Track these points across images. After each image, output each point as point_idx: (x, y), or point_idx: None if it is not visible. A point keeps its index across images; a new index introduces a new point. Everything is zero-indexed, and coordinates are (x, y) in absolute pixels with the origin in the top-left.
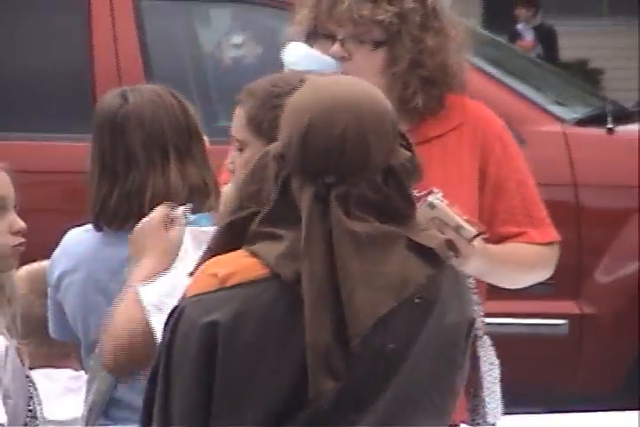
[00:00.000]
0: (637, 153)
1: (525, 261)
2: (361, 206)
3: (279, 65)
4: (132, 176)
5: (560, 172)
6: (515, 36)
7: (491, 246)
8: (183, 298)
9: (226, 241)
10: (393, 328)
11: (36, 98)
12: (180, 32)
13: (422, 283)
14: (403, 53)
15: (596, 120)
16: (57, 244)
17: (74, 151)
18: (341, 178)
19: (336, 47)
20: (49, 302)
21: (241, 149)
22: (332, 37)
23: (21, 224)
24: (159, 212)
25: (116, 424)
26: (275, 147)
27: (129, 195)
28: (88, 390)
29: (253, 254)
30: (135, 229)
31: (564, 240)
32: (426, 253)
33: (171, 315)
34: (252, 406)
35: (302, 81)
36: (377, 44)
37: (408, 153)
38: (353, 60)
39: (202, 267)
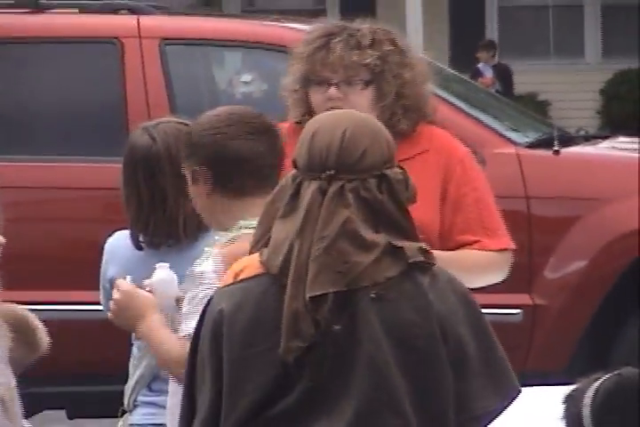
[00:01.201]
0: (579, 170)
1: (477, 265)
2: (357, 205)
3: (280, 100)
4: (166, 206)
5: (514, 186)
6: (476, 74)
7: (443, 252)
8: (215, 291)
9: (259, 241)
10: (345, 313)
11: (81, 128)
12: (199, 72)
13: (380, 281)
14: (387, 88)
15: (544, 143)
16: (96, 247)
17: (106, 171)
18: (338, 173)
19: (332, 90)
20: (103, 294)
21: None
22: (326, 83)
23: (1, 240)
24: (123, 289)
25: (158, 395)
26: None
27: (165, 222)
28: (136, 366)
29: (256, 254)
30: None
31: (517, 243)
32: (397, 255)
33: (207, 302)
34: (252, 380)
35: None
36: (366, 84)
37: (401, 171)
38: (347, 100)
39: (234, 264)
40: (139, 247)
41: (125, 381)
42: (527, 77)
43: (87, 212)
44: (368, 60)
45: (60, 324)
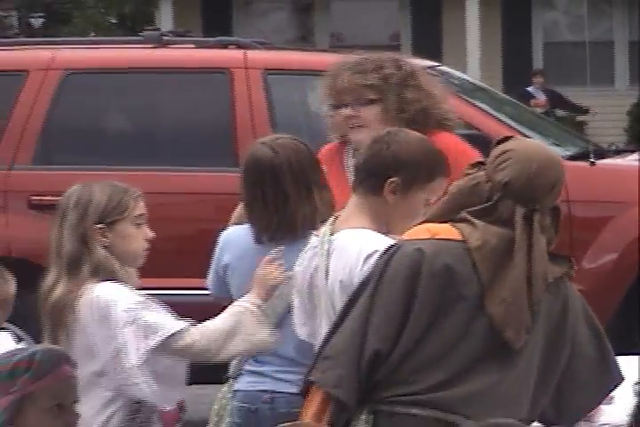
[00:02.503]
0: (611, 178)
1: None
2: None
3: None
4: (287, 208)
5: None
6: (526, 96)
7: None
8: (400, 241)
9: (441, 216)
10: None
11: (198, 144)
12: (295, 97)
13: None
14: (389, 105)
15: (582, 156)
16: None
17: (220, 179)
18: (540, 208)
19: (345, 110)
20: (214, 277)
21: None
22: (342, 104)
23: (151, 234)
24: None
25: (262, 366)
26: (492, 177)
27: (286, 221)
28: None
29: (455, 227)
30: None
31: (560, 239)
32: (558, 262)
33: (386, 251)
34: (444, 319)
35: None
36: (372, 102)
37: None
38: (360, 116)
39: (418, 227)
40: (259, 241)
41: None
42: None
43: (201, 212)
44: (370, 82)
45: (184, 306)
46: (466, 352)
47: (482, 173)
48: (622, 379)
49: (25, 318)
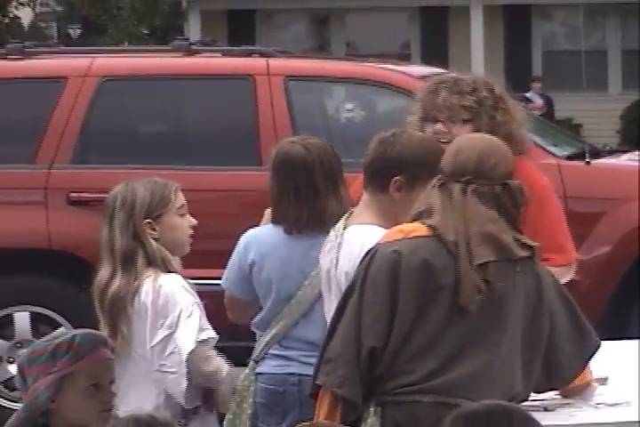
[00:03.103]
0: (605, 176)
1: None
2: (487, 203)
3: (377, 124)
4: (317, 201)
5: (556, 188)
6: (525, 100)
7: None
8: (376, 244)
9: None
10: (503, 276)
11: (223, 145)
12: (314, 101)
13: (517, 258)
14: (482, 126)
15: (578, 156)
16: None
17: (244, 178)
18: (474, 179)
19: (439, 126)
20: (239, 274)
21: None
22: (435, 120)
23: (194, 221)
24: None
25: (286, 350)
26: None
27: (316, 213)
28: (272, 326)
29: (424, 224)
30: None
31: None
32: (523, 244)
33: (366, 255)
34: (425, 311)
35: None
36: (465, 122)
37: (519, 182)
38: (451, 134)
39: (391, 229)
40: (289, 232)
41: (251, 339)
42: (565, 106)
43: (226, 208)
44: (467, 104)
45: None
46: (453, 338)
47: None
48: (599, 344)
49: (64, 305)
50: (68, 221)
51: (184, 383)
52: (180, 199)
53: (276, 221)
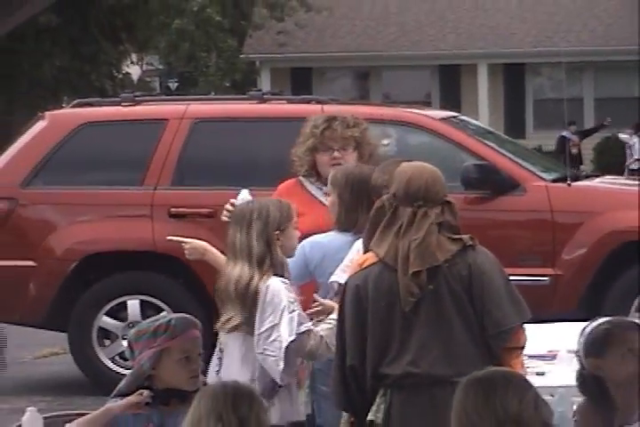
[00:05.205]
0: (582, 195)
1: None
2: (433, 221)
3: (406, 156)
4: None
5: (544, 204)
6: (562, 139)
7: None
8: (347, 279)
9: (368, 243)
10: (433, 279)
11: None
12: None
13: (449, 258)
14: (364, 152)
15: (561, 179)
16: None
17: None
18: (425, 203)
19: (336, 154)
20: (298, 269)
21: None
22: (330, 149)
23: (299, 233)
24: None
25: None
26: (387, 196)
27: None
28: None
29: (372, 251)
30: None
31: (546, 239)
32: (457, 242)
33: (343, 287)
34: (381, 320)
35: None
36: (353, 149)
37: (450, 198)
38: (344, 159)
39: (355, 262)
40: (343, 231)
41: None
42: (552, 141)
43: None
44: (355, 135)
45: None
46: (411, 335)
47: (384, 196)
48: (529, 315)
49: (166, 294)
50: (169, 230)
51: (281, 365)
52: (296, 215)
53: None
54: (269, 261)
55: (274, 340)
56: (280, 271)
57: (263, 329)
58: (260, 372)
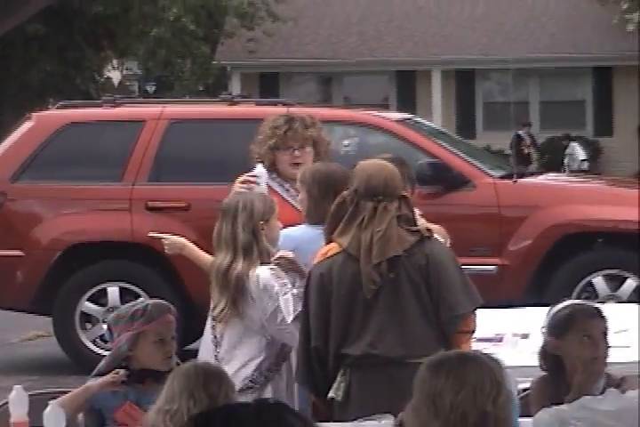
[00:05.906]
0: (527, 191)
1: None
2: (392, 215)
3: (365, 155)
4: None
5: (492, 199)
6: (518, 138)
7: None
8: (312, 267)
9: (330, 235)
10: (394, 268)
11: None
12: None
13: (407, 248)
14: (321, 150)
15: (508, 176)
16: None
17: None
18: (384, 198)
19: (297, 152)
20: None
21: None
22: (290, 148)
23: (281, 224)
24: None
25: None
26: (348, 191)
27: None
28: None
29: (335, 241)
30: None
31: (494, 231)
32: (415, 233)
33: (307, 275)
34: (343, 305)
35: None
36: (311, 147)
37: (406, 193)
38: (302, 157)
39: (319, 252)
40: (314, 226)
41: None
42: (500, 141)
43: None
44: (313, 134)
45: None
46: (371, 320)
47: (345, 191)
48: (480, 301)
49: (143, 281)
50: (146, 222)
51: (296, 333)
52: (277, 209)
53: None
54: (257, 250)
55: (281, 320)
56: (267, 260)
57: (267, 315)
58: (266, 350)
